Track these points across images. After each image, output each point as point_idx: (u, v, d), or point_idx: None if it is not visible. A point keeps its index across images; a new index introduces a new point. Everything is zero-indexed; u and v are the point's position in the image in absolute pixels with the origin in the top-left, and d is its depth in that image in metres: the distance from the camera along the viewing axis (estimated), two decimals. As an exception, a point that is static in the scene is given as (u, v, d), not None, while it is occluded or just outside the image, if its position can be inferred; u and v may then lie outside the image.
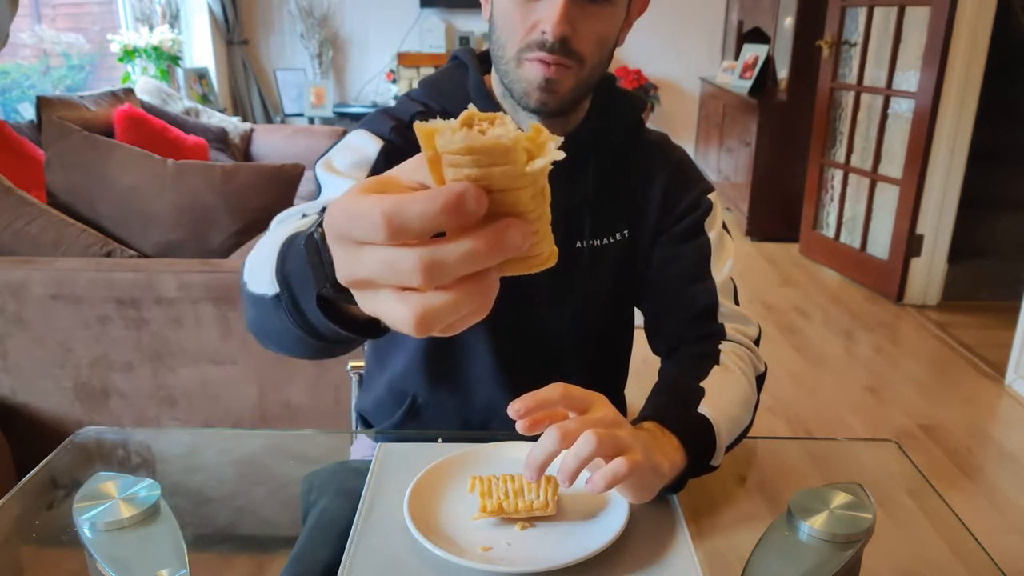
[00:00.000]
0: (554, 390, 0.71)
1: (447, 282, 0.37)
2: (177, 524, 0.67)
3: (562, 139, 0.37)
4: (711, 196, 1.03)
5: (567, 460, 0.68)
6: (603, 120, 1.00)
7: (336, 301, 0.55)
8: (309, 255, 0.54)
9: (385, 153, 0.93)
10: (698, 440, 0.81)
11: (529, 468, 0.69)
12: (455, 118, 0.38)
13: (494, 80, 0.98)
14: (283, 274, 0.62)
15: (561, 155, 0.37)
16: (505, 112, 0.92)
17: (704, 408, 0.84)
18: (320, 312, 0.57)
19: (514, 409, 0.69)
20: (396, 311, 0.39)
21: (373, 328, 0.59)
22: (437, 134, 0.37)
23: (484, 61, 1.02)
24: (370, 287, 0.41)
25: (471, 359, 1.02)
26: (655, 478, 0.74)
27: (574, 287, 1.00)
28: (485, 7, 0.95)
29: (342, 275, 0.41)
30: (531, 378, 1.03)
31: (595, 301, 1.03)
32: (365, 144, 0.94)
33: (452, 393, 1.05)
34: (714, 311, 0.99)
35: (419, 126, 0.37)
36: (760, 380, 0.99)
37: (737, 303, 1.02)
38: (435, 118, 0.37)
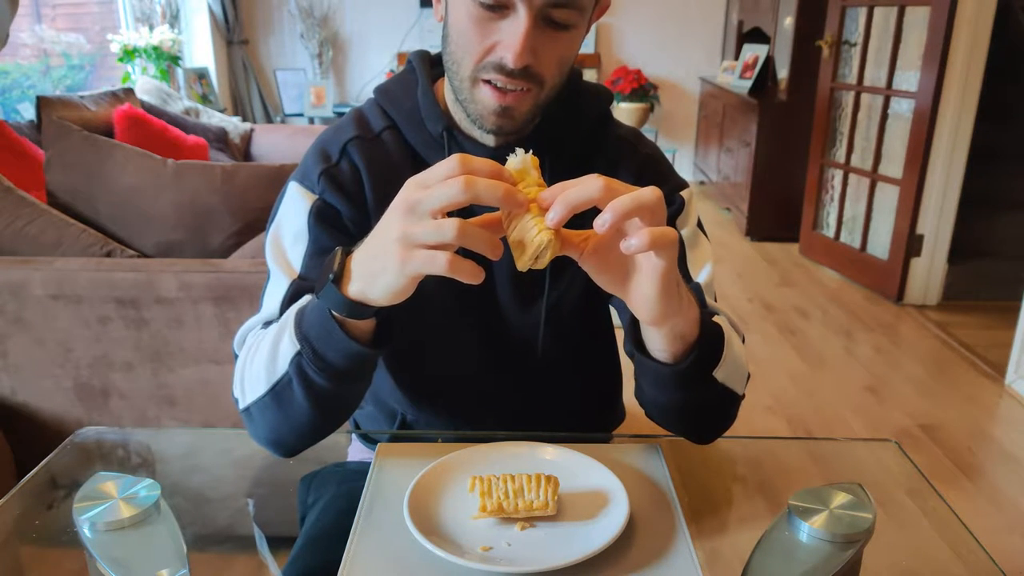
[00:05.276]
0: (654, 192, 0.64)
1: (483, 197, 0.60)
2: (177, 524, 0.67)
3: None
4: (684, 194, 0.97)
5: (622, 199, 0.61)
6: (566, 114, 0.94)
7: (344, 323, 0.71)
8: (326, 270, 0.71)
9: (314, 214, 0.91)
10: (710, 334, 0.78)
11: (559, 203, 0.62)
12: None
13: (446, 88, 0.92)
14: (302, 332, 0.75)
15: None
16: (455, 123, 0.93)
17: (717, 321, 0.81)
18: (340, 329, 0.71)
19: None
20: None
21: (382, 338, 0.75)
22: None
23: (436, 64, 0.96)
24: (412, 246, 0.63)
25: (447, 376, 1.01)
26: (678, 300, 0.69)
27: (540, 291, 0.96)
28: (437, 7, 0.87)
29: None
30: (511, 388, 1.02)
31: (566, 304, 0.98)
32: (298, 208, 0.93)
33: (436, 411, 1.03)
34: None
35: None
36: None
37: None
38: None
